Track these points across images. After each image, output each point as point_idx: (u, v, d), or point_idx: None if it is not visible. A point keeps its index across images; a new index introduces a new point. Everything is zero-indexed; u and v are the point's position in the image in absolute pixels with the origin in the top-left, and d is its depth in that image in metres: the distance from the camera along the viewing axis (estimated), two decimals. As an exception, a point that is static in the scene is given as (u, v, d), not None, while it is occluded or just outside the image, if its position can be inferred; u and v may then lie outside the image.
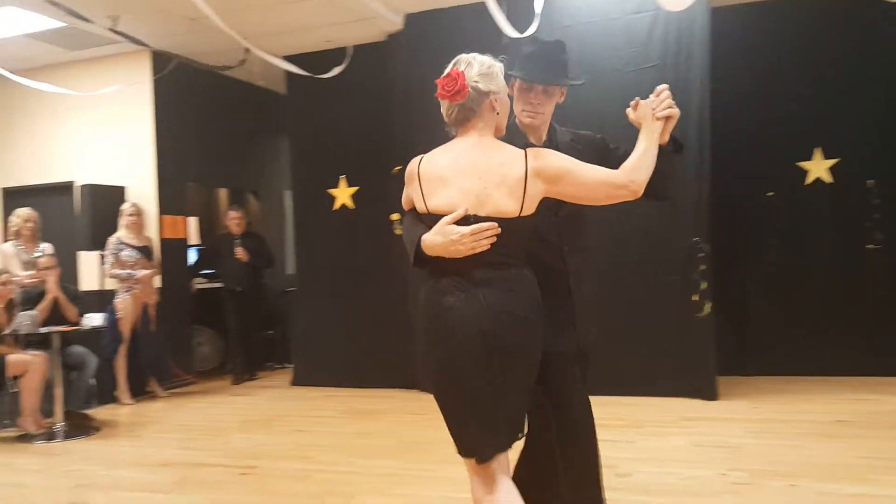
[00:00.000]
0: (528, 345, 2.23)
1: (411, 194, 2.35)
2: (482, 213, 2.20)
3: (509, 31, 5.12)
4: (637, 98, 2.43)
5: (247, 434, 5.24)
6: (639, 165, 2.31)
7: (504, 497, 2.22)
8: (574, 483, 2.52)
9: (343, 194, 6.92)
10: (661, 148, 2.38)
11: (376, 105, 6.68)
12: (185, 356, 7.45)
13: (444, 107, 2.31)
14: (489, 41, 6.01)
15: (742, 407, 5.34)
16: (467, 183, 2.22)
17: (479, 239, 2.16)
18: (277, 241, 8.66)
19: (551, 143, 2.55)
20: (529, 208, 2.23)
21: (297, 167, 7.29)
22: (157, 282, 6.91)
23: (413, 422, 5.43)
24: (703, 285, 5.56)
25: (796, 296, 6.34)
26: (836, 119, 6.20)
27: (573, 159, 2.27)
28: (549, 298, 2.32)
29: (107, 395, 6.45)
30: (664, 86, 2.41)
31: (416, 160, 2.34)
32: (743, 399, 5.56)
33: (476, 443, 2.23)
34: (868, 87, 6.14)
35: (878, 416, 4.89)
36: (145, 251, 6.72)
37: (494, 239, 2.18)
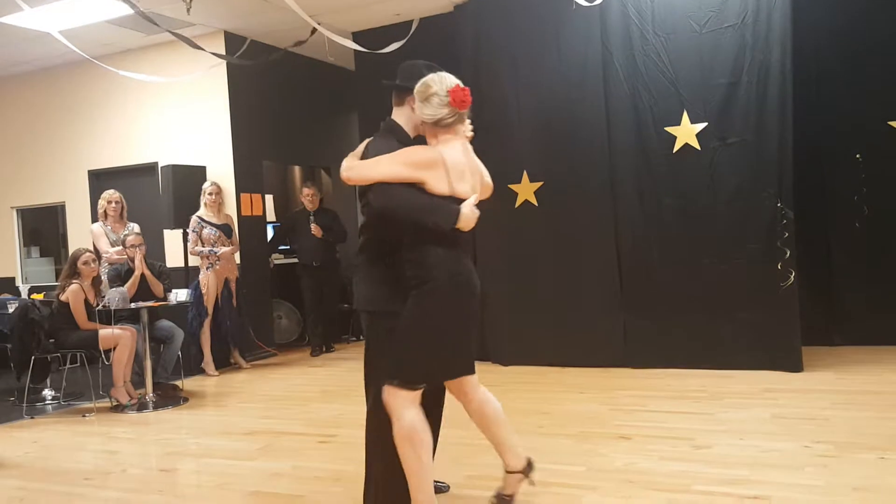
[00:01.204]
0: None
1: (424, 177, 2.71)
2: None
3: (579, -2, 5.01)
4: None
5: (326, 404, 5.38)
6: None
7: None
8: None
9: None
10: None
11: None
12: (266, 329, 7.68)
13: (446, 111, 2.77)
14: (557, 9, 5.95)
15: (828, 378, 5.16)
16: (467, 172, 2.82)
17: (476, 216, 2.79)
18: (350, 217, 8.78)
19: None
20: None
21: (366, 142, 7.33)
22: (238, 258, 7.12)
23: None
24: (787, 253, 5.36)
25: (884, 263, 6.05)
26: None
27: None
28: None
29: (193, 367, 6.72)
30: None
31: (437, 150, 2.77)
32: (829, 370, 5.37)
33: (452, 369, 2.91)
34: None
35: (976, 387, 4.65)
36: (225, 228, 6.92)
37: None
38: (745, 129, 5.50)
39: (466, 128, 2.91)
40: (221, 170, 7.32)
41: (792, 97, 5.38)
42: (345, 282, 8.26)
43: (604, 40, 5.90)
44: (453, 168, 2.75)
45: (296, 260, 7.84)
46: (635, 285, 5.87)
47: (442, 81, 2.80)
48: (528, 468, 3.06)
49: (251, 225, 7.50)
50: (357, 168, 2.84)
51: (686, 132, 5.66)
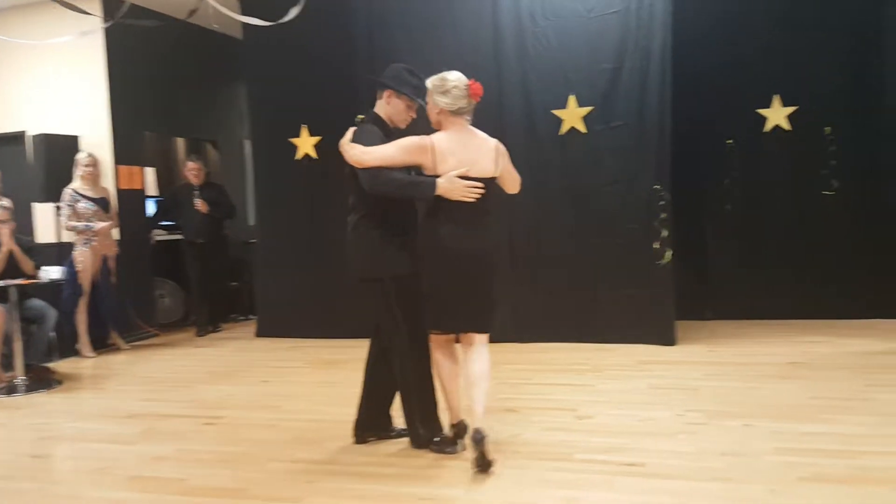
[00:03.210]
0: (491, 264, 3.46)
1: (419, 160, 3.34)
2: (473, 175, 3.32)
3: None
4: None
5: (212, 385, 5.25)
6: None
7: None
8: None
9: (305, 144, 6.81)
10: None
11: (339, 49, 6.53)
12: (147, 308, 7.37)
13: (464, 102, 3.36)
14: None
15: (699, 351, 5.49)
16: (465, 154, 3.34)
17: (470, 190, 3.30)
18: (238, 192, 8.53)
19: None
20: (498, 172, 3.43)
21: (257, 116, 7.12)
22: (116, 234, 6.79)
23: (379, 370, 5.47)
24: (664, 233, 5.64)
25: (753, 242, 6.49)
26: (795, 67, 6.27)
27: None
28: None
29: (68, 348, 6.38)
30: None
31: (428, 139, 3.35)
32: (700, 343, 5.72)
33: (444, 320, 3.41)
34: (826, 34, 6.19)
35: (829, 357, 5.07)
36: (102, 202, 6.58)
37: (483, 192, 3.33)
38: (627, 113, 5.73)
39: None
40: (98, 140, 6.92)
41: (671, 83, 5.63)
42: (233, 259, 8.06)
43: (496, 22, 5.98)
44: (440, 152, 3.32)
45: (180, 236, 7.56)
46: (525, 263, 6.03)
47: (460, 78, 3.38)
48: (460, 430, 3.51)
49: (130, 199, 7.16)
50: (370, 153, 3.33)
51: (573, 115, 5.83)
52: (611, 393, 4.45)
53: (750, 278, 6.46)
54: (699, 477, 3.08)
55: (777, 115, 6.35)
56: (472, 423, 3.27)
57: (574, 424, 3.87)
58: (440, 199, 3.32)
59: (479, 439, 3.19)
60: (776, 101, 6.34)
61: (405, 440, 3.68)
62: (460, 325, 3.44)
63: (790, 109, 6.32)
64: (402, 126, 3.62)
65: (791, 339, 5.66)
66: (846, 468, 3.08)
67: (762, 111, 6.39)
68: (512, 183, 3.58)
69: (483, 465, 3.20)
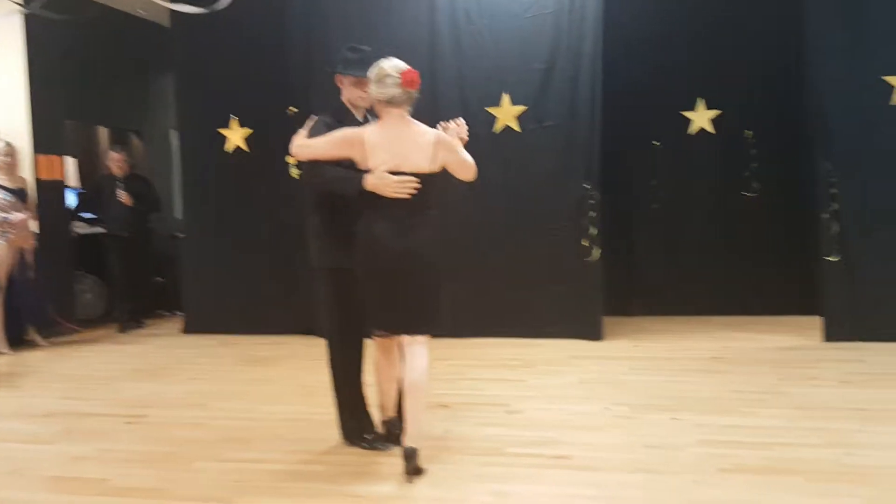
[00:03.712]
0: (428, 262, 3.29)
1: (350, 154, 3.21)
2: (406, 169, 3.16)
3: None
4: (443, 122, 3.41)
5: (136, 383, 5.09)
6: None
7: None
8: None
9: (235, 135, 6.67)
10: None
11: (272, 40, 6.41)
12: (67, 304, 7.09)
13: (397, 91, 3.16)
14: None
15: (626, 346, 5.64)
16: (397, 147, 3.17)
17: (403, 186, 3.14)
18: (164, 184, 8.30)
19: (368, 119, 3.50)
20: (435, 167, 3.24)
21: (185, 106, 6.94)
22: (34, 226, 6.50)
23: (312, 367, 5.39)
24: (593, 231, 5.76)
25: (678, 241, 6.70)
26: (719, 71, 6.49)
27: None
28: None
29: (-20, 345, 6.10)
30: (461, 119, 3.46)
31: (358, 131, 3.25)
32: (627, 338, 5.86)
33: (379, 320, 3.31)
34: (748, 40, 6.43)
35: (748, 352, 5.28)
36: (19, 193, 6.31)
37: (415, 189, 3.15)
38: (559, 113, 5.83)
39: (462, 130, 3.37)
40: (14, 128, 6.60)
41: (601, 85, 5.75)
42: (158, 253, 7.84)
43: (432, 20, 5.98)
44: (369, 145, 3.18)
45: (102, 229, 7.30)
46: (460, 259, 6.04)
47: (395, 66, 3.18)
48: (391, 427, 3.46)
49: (50, 190, 6.86)
50: (303, 146, 3.30)
51: (507, 114, 5.89)
52: (541, 388, 4.52)
53: (674, 276, 6.67)
54: (625, 468, 3.16)
55: (701, 118, 6.57)
56: (405, 440, 3.14)
57: (505, 419, 3.92)
58: (374, 195, 3.17)
59: (410, 455, 3.10)
60: (700, 104, 6.55)
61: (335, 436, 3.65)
62: (395, 325, 3.31)
63: (714, 113, 6.54)
64: (365, 105, 3.47)
65: (713, 335, 5.86)
66: (762, 459, 3.21)
67: (687, 114, 6.60)
68: (463, 172, 3.38)
69: (414, 474, 3.13)
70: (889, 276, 5.28)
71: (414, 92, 3.21)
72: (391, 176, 3.15)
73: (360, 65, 3.38)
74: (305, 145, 3.30)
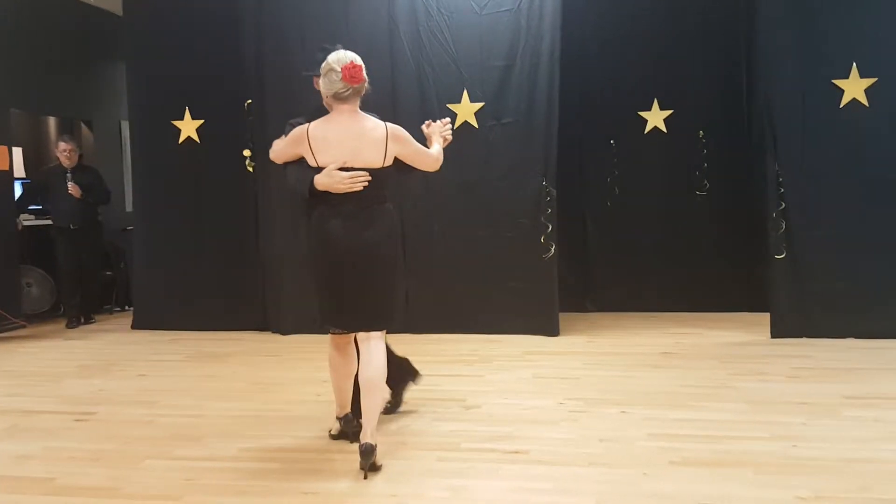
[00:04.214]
0: (384, 256, 3.23)
1: (299, 152, 3.20)
2: (357, 165, 3.13)
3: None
4: (429, 121, 3.59)
5: (83, 379, 4.97)
6: (440, 151, 3.47)
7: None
8: None
9: (188, 127, 6.55)
10: None
11: (226, 31, 6.30)
12: (12, 298, 6.88)
13: (339, 86, 3.11)
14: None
15: (580, 342, 5.70)
16: (346, 143, 3.13)
17: (354, 181, 3.12)
18: (114, 176, 8.11)
19: None
20: (389, 161, 3.20)
21: (136, 96, 6.79)
22: (-24, 217, 6.31)
23: (265, 364, 5.36)
24: (549, 228, 5.81)
25: (631, 238, 6.80)
26: (672, 72, 6.60)
27: (409, 135, 3.31)
28: None
29: (-81, 341, 5.89)
30: (448, 119, 3.64)
31: (303, 127, 3.19)
32: (581, 334, 5.93)
33: (334, 318, 3.27)
34: (701, 42, 6.55)
35: (698, 348, 5.39)
36: (-39, 183, 6.10)
37: (367, 182, 3.14)
38: (517, 110, 5.86)
39: (446, 129, 3.51)
40: (-44, 116, 6.41)
41: (559, 83, 5.79)
42: (107, 247, 7.66)
43: (391, 13, 5.95)
44: (314, 140, 3.15)
45: (50, 221, 7.10)
46: (416, 255, 6.04)
47: (339, 59, 3.12)
48: (346, 423, 3.48)
49: (-6, 181, 6.66)
50: (272, 149, 3.35)
51: (466, 110, 5.90)
52: (497, 383, 4.55)
53: (627, 273, 6.77)
54: (579, 462, 3.20)
55: (655, 117, 6.68)
56: (362, 436, 3.13)
57: (462, 414, 3.93)
58: (329, 193, 3.14)
59: (368, 451, 3.08)
60: (655, 104, 6.66)
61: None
62: (350, 322, 3.26)
63: (667, 113, 6.65)
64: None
65: (664, 331, 5.96)
66: (712, 452, 3.28)
67: (643, 113, 6.69)
68: (424, 164, 3.37)
69: (371, 471, 3.12)
70: (835, 274, 5.42)
71: (359, 86, 3.14)
72: (340, 173, 3.12)
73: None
74: (272, 149, 3.32)
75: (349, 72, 3.09)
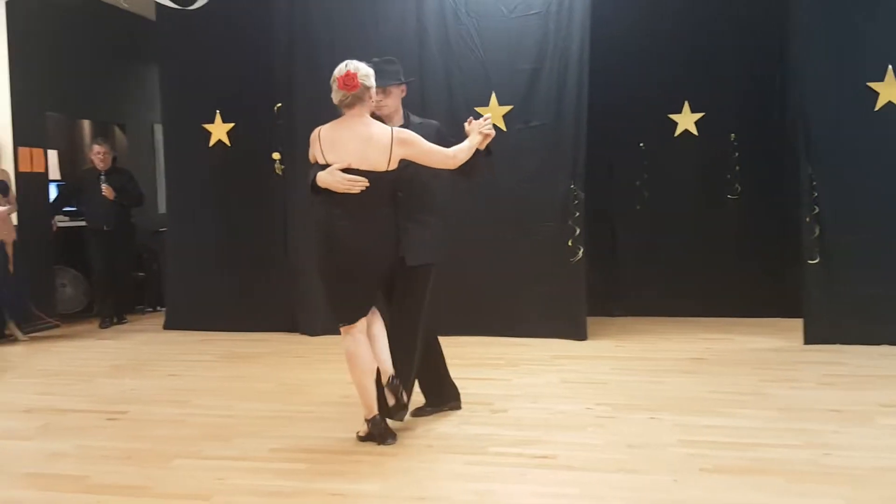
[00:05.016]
0: (381, 257, 3.50)
1: (313, 151, 3.44)
2: (363, 167, 3.33)
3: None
4: (471, 118, 3.69)
5: (116, 379, 5.05)
6: (462, 149, 3.55)
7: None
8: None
9: (219, 130, 6.63)
10: (478, 150, 3.63)
11: (257, 35, 6.37)
12: (48, 298, 7.02)
13: (340, 94, 3.34)
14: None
15: (608, 346, 5.66)
16: (351, 146, 3.34)
17: (352, 184, 3.32)
18: (147, 178, 8.24)
19: (405, 126, 3.63)
20: (393, 165, 3.39)
21: (168, 100, 6.89)
22: (15, 219, 6.43)
23: (293, 365, 5.40)
24: (577, 231, 5.78)
25: (661, 242, 6.73)
26: (703, 74, 6.54)
27: (420, 136, 3.48)
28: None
29: (-42, 339, 6.03)
30: (489, 115, 3.80)
31: (317, 129, 3.43)
32: (610, 339, 5.89)
33: (351, 314, 3.49)
34: (733, 44, 6.47)
35: (728, 354, 5.32)
36: (0, 186, 6.23)
37: (365, 186, 3.33)
38: (545, 113, 5.84)
39: (482, 125, 3.59)
40: (-4, 119, 6.55)
41: (588, 86, 5.76)
42: (140, 248, 7.78)
43: (419, 18, 5.97)
44: (322, 142, 3.39)
45: (84, 223, 7.23)
46: (444, 257, 6.02)
47: (337, 71, 3.35)
48: (375, 431, 3.53)
49: (31, 183, 6.79)
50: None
51: (494, 113, 5.87)
52: (525, 387, 4.53)
53: (657, 277, 6.71)
54: (607, 468, 3.18)
55: (686, 120, 6.61)
56: (386, 373, 3.48)
57: (489, 418, 3.92)
58: (334, 193, 3.35)
59: (396, 385, 3.44)
60: (686, 107, 6.59)
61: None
62: (342, 315, 3.52)
63: (698, 115, 6.58)
64: (387, 112, 3.65)
65: (694, 336, 5.90)
66: (743, 459, 3.23)
67: (673, 116, 6.63)
68: (437, 163, 3.51)
69: (401, 409, 3.51)
70: (869, 279, 5.33)
71: (357, 92, 3.32)
72: (341, 173, 3.32)
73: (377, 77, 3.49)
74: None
75: (343, 80, 3.32)
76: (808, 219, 5.40)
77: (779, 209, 6.43)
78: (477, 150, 3.61)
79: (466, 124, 3.66)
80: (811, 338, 5.44)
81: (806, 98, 5.40)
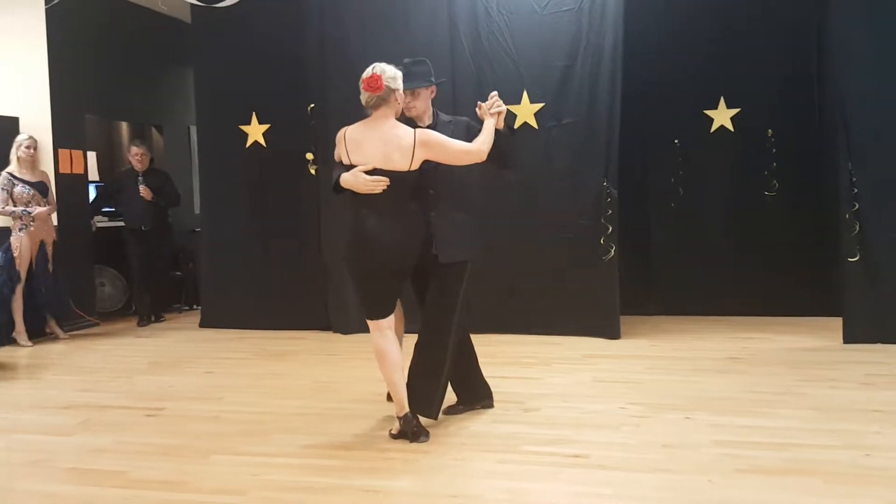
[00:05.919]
0: (408, 254, 3.55)
1: (340, 152, 3.50)
2: (386, 168, 3.39)
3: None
4: (479, 102, 3.71)
5: (154, 376, 5.14)
6: (484, 140, 3.58)
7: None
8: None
9: (255, 131, 6.70)
10: (499, 132, 3.64)
11: (290, 36, 6.42)
12: (87, 297, 7.17)
13: (366, 96, 3.40)
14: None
15: (642, 345, 5.61)
16: (376, 147, 3.40)
17: (375, 184, 3.38)
18: (184, 179, 8.36)
19: (434, 125, 3.68)
20: (415, 166, 3.43)
21: (204, 101, 6.98)
22: (55, 219, 6.58)
23: (327, 362, 5.45)
24: (610, 229, 5.73)
25: (696, 240, 6.65)
26: (739, 70, 6.43)
27: (443, 135, 3.52)
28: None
29: (3, 337, 6.17)
30: (495, 92, 3.73)
31: (343, 129, 3.50)
32: (643, 338, 5.83)
33: (381, 309, 3.57)
34: (768, 40, 6.37)
35: (765, 353, 5.23)
36: (40, 187, 6.37)
37: (387, 185, 3.38)
38: (578, 110, 5.80)
39: (491, 105, 3.63)
40: (36, 122, 6.68)
41: (621, 82, 5.71)
42: (176, 247, 7.90)
43: (451, 16, 5.97)
44: (348, 142, 3.46)
45: (122, 223, 7.37)
46: (476, 256, 6.02)
47: (366, 71, 3.39)
48: (407, 428, 3.55)
49: (70, 184, 6.94)
50: None
51: (525, 111, 5.87)
52: (557, 385, 4.51)
53: (692, 275, 6.62)
54: (641, 468, 3.15)
55: (722, 116, 6.51)
56: (403, 410, 3.55)
57: (521, 417, 3.91)
58: (354, 192, 3.44)
59: (409, 419, 3.53)
60: (722, 103, 6.50)
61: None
62: (371, 312, 3.58)
63: (734, 111, 6.48)
64: (416, 114, 3.68)
65: (730, 335, 5.81)
66: (780, 460, 3.18)
67: (709, 112, 6.54)
68: (461, 160, 3.54)
69: (420, 435, 3.53)
70: (911, 277, 5.21)
71: (383, 93, 3.37)
72: (364, 175, 3.39)
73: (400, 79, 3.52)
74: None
75: (368, 83, 3.38)
76: (847, 215, 5.29)
77: (817, 206, 6.31)
78: (497, 132, 3.62)
79: (477, 110, 3.69)
80: (851, 337, 5.33)
81: (844, 93, 5.29)
